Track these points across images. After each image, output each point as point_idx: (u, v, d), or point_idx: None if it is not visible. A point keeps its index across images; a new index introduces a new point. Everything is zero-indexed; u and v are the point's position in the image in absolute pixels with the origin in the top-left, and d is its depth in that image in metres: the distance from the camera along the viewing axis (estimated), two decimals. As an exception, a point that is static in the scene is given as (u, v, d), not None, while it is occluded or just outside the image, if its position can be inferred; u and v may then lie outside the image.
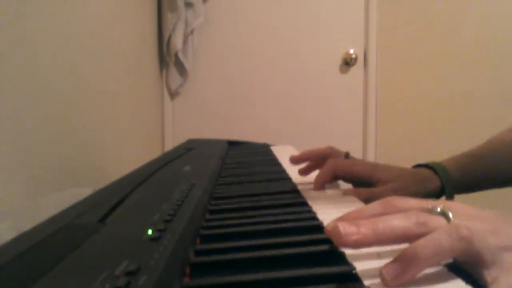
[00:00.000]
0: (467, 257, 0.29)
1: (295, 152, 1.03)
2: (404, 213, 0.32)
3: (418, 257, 0.28)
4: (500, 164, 0.68)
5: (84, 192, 0.55)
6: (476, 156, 0.69)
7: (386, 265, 0.29)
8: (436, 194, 0.65)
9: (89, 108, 1.02)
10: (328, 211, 0.45)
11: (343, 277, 0.29)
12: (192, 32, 1.92)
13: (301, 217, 0.44)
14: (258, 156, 0.96)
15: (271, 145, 1.19)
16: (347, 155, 0.69)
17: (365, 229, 0.30)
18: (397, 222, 0.31)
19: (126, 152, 1.32)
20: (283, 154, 0.96)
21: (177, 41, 1.86)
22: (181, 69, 1.96)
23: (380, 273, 0.28)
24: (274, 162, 0.85)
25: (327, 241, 0.33)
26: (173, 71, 1.96)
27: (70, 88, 0.91)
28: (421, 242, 0.29)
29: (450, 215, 0.31)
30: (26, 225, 0.37)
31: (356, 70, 2.07)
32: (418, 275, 0.29)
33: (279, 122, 2.06)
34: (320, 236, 0.35)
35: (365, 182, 0.63)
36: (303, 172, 0.68)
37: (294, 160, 0.69)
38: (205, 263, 0.33)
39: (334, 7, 2.06)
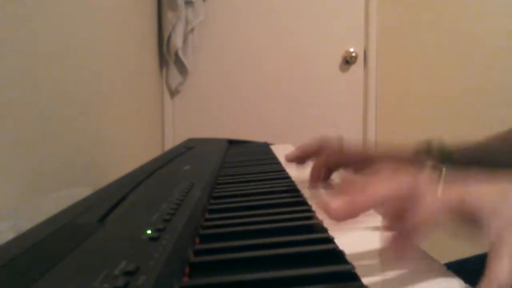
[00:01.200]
0: (465, 214, 0.29)
1: (295, 151, 1.03)
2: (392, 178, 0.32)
3: (416, 227, 0.28)
4: (498, 158, 0.68)
5: (83, 191, 0.55)
6: (473, 148, 0.69)
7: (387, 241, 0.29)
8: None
9: (89, 107, 1.02)
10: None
11: (343, 276, 0.29)
12: (192, 30, 1.92)
13: (300, 216, 0.44)
14: (258, 155, 0.96)
15: (271, 144, 1.19)
16: (340, 140, 0.69)
17: (357, 196, 0.30)
18: (388, 182, 0.31)
19: (126, 151, 1.32)
20: (283, 153, 0.95)
21: (177, 40, 1.86)
22: (181, 68, 1.96)
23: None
24: (274, 161, 0.85)
25: (327, 240, 0.33)
26: (173, 69, 1.96)
27: (70, 88, 0.91)
28: (414, 213, 0.29)
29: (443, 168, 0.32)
30: (26, 225, 0.37)
31: (356, 68, 2.07)
32: (417, 277, 0.28)
33: (279, 121, 2.06)
34: (320, 235, 0.35)
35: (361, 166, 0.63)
36: (299, 162, 0.68)
37: (289, 159, 0.69)
38: (204, 263, 0.33)
39: (334, 6, 2.05)
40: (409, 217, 0.28)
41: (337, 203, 0.30)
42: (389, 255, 0.28)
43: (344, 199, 0.30)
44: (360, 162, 0.63)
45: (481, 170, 0.67)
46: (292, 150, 0.70)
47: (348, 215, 0.30)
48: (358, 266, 0.30)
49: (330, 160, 0.63)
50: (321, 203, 0.31)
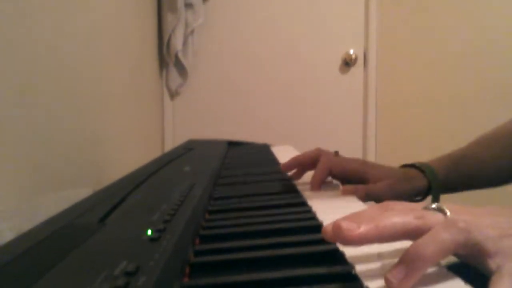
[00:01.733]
0: (468, 249, 0.29)
1: (295, 152, 1.04)
2: (403, 211, 0.33)
3: (422, 255, 0.28)
4: (479, 166, 0.71)
5: (84, 192, 0.55)
6: (457, 158, 0.72)
7: (391, 269, 0.28)
8: (422, 193, 0.68)
9: (89, 108, 1.02)
10: (328, 211, 0.45)
11: (343, 277, 0.29)
12: (192, 32, 1.92)
13: (301, 217, 0.44)
14: (258, 156, 0.96)
15: (271, 145, 1.19)
16: (336, 154, 0.70)
17: (367, 225, 0.30)
18: (397, 218, 0.31)
19: (126, 152, 1.32)
20: (283, 154, 0.96)
21: (177, 42, 1.86)
22: (181, 70, 1.96)
23: (385, 279, 0.28)
24: (274, 162, 0.85)
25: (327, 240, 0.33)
26: (173, 71, 1.96)
27: (70, 88, 0.91)
28: (422, 240, 0.29)
29: (446, 209, 0.32)
30: (26, 225, 0.37)
31: (356, 70, 2.07)
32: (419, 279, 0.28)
33: (279, 122, 2.06)
34: (320, 236, 0.35)
35: (357, 180, 0.63)
36: (296, 176, 0.68)
37: (285, 168, 0.69)
38: (204, 263, 0.33)
39: (334, 7, 2.06)
40: (418, 249, 0.28)
41: (349, 226, 0.30)
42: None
43: (354, 225, 0.30)
44: (359, 174, 0.64)
45: (468, 179, 0.70)
46: (289, 158, 0.70)
47: (358, 241, 0.30)
48: (358, 268, 0.30)
49: (332, 169, 0.63)
50: (332, 226, 0.31)
